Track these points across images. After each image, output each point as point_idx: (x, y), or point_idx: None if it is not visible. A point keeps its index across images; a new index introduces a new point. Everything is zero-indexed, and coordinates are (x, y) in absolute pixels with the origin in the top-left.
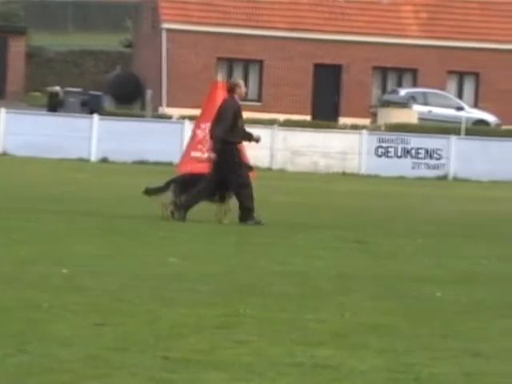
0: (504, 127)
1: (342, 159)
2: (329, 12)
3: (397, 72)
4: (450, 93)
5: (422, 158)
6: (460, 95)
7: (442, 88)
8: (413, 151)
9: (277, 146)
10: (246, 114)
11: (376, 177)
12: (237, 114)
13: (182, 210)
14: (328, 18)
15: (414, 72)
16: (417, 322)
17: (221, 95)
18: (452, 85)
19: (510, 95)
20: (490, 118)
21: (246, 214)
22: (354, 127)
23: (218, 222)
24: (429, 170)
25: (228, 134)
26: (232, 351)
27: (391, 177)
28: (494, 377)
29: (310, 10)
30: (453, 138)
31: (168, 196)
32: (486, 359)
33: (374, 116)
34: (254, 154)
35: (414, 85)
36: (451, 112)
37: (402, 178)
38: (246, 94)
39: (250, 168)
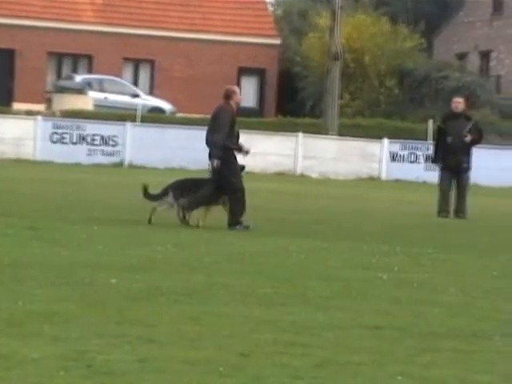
0: (179, 115)
1: (16, 145)
2: None
3: (72, 58)
4: (126, 80)
5: (97, 145)
6: (136, 82)
7: (118, 75)
8: (88, 138)
9: None
10: None
11: (51, 163)
12: (233, 120)
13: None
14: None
15: (89, 58)
16: (91, 309)
17: None
18: (128, 72)
19: (184, 83)
20: (166, 106)
21: (234, 219)
22: (29, 113)
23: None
24: (104, 156)
25: (226, 139)
26: None
27: (67, 163)
28: (166, 362)
29: None
30: (128, 125)
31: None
32: (159, 345)
33: (48, 102)
34: None
35: (90, 71)
36: (127, 99)
37: (77, 165)
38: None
39: (243, 168)
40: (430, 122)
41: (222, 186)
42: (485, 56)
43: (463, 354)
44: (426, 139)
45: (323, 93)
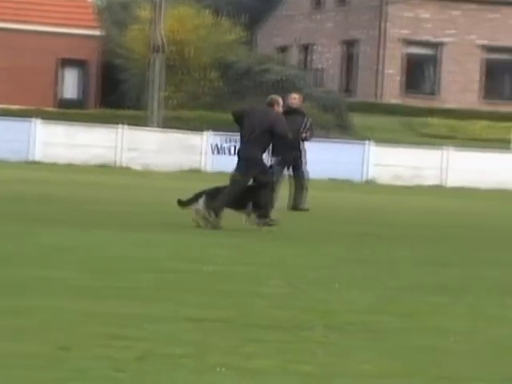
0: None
1: None
2: None
3: None
4: None
5: None
6: None
7: None
8: None
9: None
10: None
11: None
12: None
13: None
14: None
15: None
16: None
17: None
18: None
19: (6, 74)
20: None
21: (264, 212)
22: None
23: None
24: None
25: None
26: None
27: None
28: None
29: None
30: None
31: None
32: None
33: None
34: None
35: None
36: None
37: None
38: None
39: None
40: None
41: (252, 189)
42: (305, 49)
43: (285, 345)
44: None
45: (146, 85)
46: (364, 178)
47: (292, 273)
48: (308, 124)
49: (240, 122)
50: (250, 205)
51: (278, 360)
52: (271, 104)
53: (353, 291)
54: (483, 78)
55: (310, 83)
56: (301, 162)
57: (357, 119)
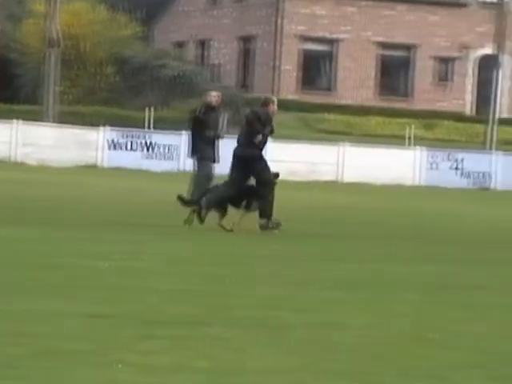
0: None
1: None
2: None
3: None
4: None
5: None
6: None
7: None
8: None
9: None
10: None
11: None
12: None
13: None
14: None
15: None
16: None
17: None
18: None
19: None
20: None
21: (265, 214)
22: None
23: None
24: None
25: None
26: None
27: None
28: None
29: None
30: None
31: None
32: None
33: None
34: None
35: None
36: None
37: None
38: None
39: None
40: (152, 111)
41: (247, 188)
42: (202, 45)
43: (182, 341)
44: (143, 127)
45: (41, 79)
46: None
47: (189, 269)
48: (225, 121)
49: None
50: (254, 204)
51: (175, 356)
52: (266, 103)
53: (249, 287)
54: (378, 74)
55: (207, 79)
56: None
57: None
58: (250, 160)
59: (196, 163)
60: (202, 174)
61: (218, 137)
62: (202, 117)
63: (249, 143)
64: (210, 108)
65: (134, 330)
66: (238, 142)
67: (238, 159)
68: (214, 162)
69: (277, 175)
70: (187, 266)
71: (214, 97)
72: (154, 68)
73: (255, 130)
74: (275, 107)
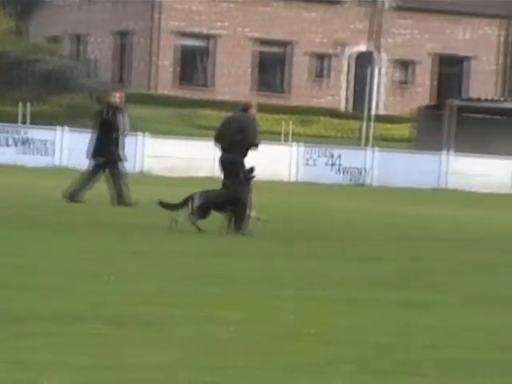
0: None
1: None
2: None
3: None
4: None
5: None
6: None
7: None
8: None
9: None
10: None
11: None
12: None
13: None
14: None
15: None
16: None
17: None
18: None
19: None
20: None
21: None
22: None
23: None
24: None
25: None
26: None
27: None
28: None
29: None
30: None
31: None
32: None
33: None
34: None
35: None
36: None
37: None
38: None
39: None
40: (28, 106)
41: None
42: (78, 40)
43: (58, 338)
44: (17, 122)
45: None
46: (138, 170)
47: (66, 265)
48: (127, 120)
49: (220, 138)
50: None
51: (52, 353)
52: (246, 108)
53: (127, 283)
54: (256, 70)
55: (83, 74)
56: (119, 159)
57: (131, 111)
58: (234, 166)
59: (103, 165)
60: (123, 174)
61: (124, 136)
62: (110, 118)
63: (238, 150)
64: (115, 109)
65: (9, 327)
66: (223, 148)
67: (224, 166)
68: (122, 160)
69: (251, 170)
70: (64, 262)
71: (118, 98)
72: (29, 63)
73: (248, 137)
74: (254, 111)
